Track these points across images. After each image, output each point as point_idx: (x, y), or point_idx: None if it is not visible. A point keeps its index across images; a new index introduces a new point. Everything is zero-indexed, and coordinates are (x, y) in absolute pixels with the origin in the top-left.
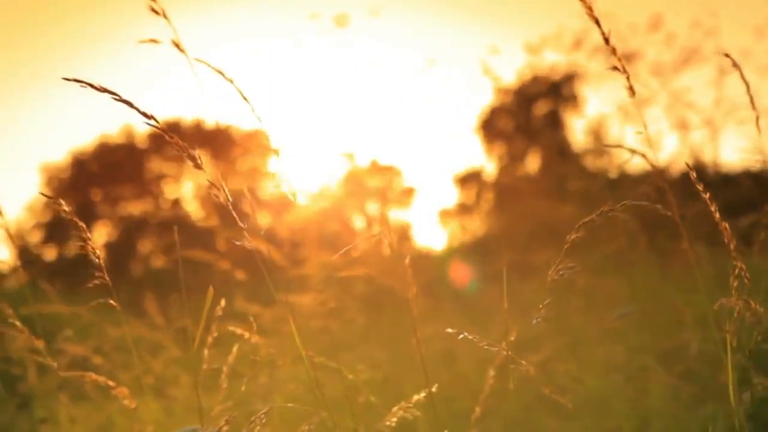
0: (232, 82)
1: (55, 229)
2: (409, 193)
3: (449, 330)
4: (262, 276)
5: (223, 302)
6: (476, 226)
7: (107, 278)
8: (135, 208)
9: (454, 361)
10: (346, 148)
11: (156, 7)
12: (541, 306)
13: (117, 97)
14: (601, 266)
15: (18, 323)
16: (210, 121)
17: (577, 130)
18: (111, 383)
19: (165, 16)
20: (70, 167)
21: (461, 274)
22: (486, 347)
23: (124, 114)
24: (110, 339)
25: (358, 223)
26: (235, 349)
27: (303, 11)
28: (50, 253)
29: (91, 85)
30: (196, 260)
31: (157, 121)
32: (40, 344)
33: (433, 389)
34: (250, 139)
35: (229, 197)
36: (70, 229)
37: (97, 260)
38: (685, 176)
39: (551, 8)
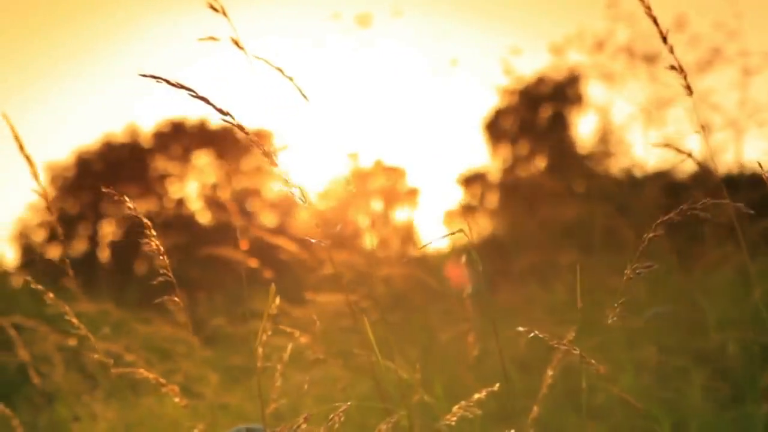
0: (291, 80)
1: (59, 228)
2: (413, 193)
3: (520, 329)
4: (284, 274)
5: (278, 300)
6: (481, 226)
7: (171, 276)
8: (139, 207)
9: (482, 361)
10: (351, 148)
11: (215, 5)
12: (615, 305)
13: (194, 94)
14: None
15: (74, 320)
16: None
17: (583, 130)
18: (162, 381)
19: (224, 14)
20: (75, 166)
21: (471, 274)
22: (556, 346)
23: (128, 113)
24: (140, 337)
25: (363, 222)
26: (289, 347)
27: (325, 11)
28: (54, 252)
29: (168, 81)
30: (203, 259)
31: (233, 117)
32: (72, 342)
33: (495, 388)
34: (255, 139)
35: (304, 195)
36: (77, 228)
37: (162, 257)
38: (697, 177)
39: (567, 10)
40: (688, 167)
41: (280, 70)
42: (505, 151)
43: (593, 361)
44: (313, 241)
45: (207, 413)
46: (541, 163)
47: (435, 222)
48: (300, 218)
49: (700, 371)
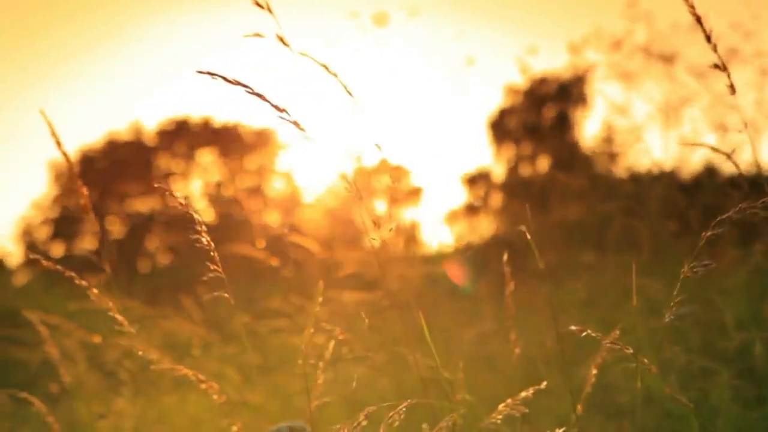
0: (336, 76)
1: (63, 226)
2: (417, 192)
3: (573, 327)
4: (299, 272)
5: (320, 299)
6: (484, 226)
7: (221, 271)
8: (142, 205)
9: (495, 360)
10: (356, 148)
11: (261, 2)
12: (672, 304)
13: (250, 90)
14: (642, 267)
15: (119, 317)
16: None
17: (588, 130)
18: (201, 377)
19: (270, 10)
20: (78, 164)
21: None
22: (610, 345)
23: (132, 111)
24: (160, 334)
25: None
26: (331, 345)
27: (340, 11)
28: (58, 250)
29: (225, 78)
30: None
31: (289, 114)
32: (97, 339)
33: (543, 386)
34: (259, 137)
35: (361, 193)
36: (80, 225)
37: (212, 253)
38: (701, 177)
39: (583, 11)
40: (695, 167)
41: (324, 66)
42: (509, 151)
43: (645, 360)
44: (373, 240)
45: (229, 411)
46: (544, 162)
47: (438, 221)
48: (306, 217)
49: (724, 371)
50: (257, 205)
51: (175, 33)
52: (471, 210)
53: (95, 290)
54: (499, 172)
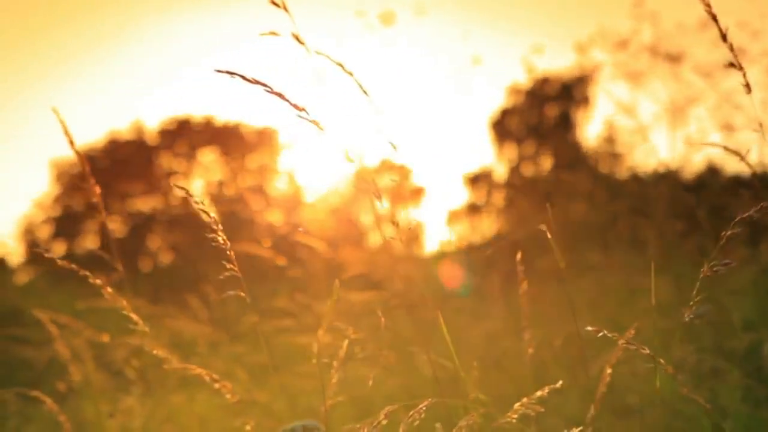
0: (351, 74)
1: (64, 225)
2: (419, 192)
3: (589, 328)
4: (305, 272)
5: (335, 298)
6: (486, 226)
7: (237, 270)
8: (144, 204)
9: (506, 360)
10: (362, 146)
11: (277, 0)
12: (691, 303)
13: (268, 89)
14: (647, 267)
15: (134, 316)
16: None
17: (591, 131)
18: (215, 377)
19: (285, 9)
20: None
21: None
22: (626, 345)
23: (133, 110)
24: (167, 333)
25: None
26: (345, 344)
27: (346, 10)
28: (59, 249)
29: (243, 77)
30: (207, 256)
31: (308, 113)
32: (105, 338)
33: (558, 385)
34: (260, 137)
35: (381, 196)
36: (82, 224)
37: (229, 252)
38: (701, 178)
39: (588, 11)
40: (697, 167)
41: (340, 65)
42: (512, 151)
43: (662, 361)
44: (392, 238)
45: (241, 410)
46: (547, 162)
47: (441, 221)
48: (309, 216)
49: (735, 371)
50: (259, 204)
51: (176, 32)
52: (473, 210)
53: (109, 289)
54: (501, 172)
